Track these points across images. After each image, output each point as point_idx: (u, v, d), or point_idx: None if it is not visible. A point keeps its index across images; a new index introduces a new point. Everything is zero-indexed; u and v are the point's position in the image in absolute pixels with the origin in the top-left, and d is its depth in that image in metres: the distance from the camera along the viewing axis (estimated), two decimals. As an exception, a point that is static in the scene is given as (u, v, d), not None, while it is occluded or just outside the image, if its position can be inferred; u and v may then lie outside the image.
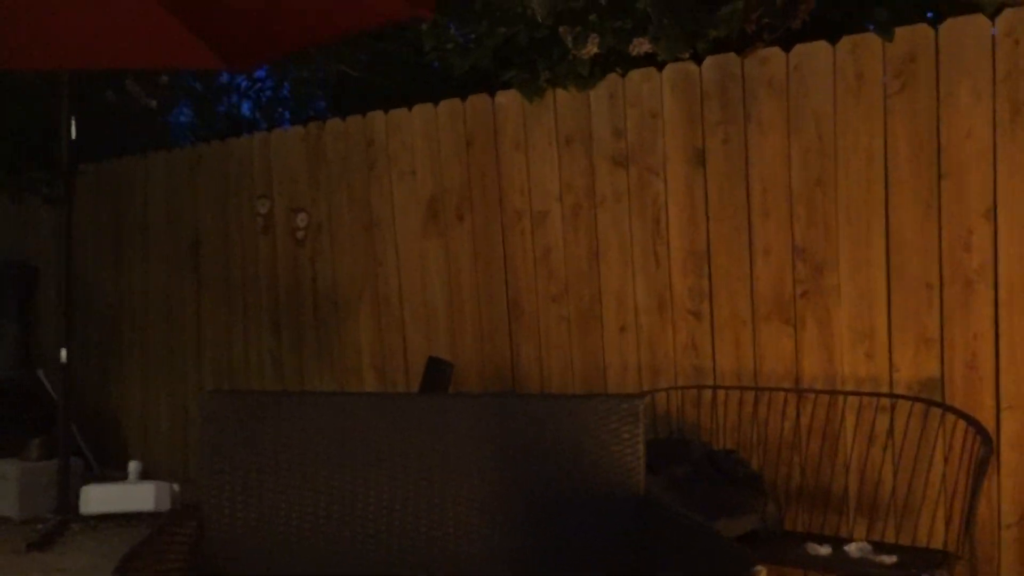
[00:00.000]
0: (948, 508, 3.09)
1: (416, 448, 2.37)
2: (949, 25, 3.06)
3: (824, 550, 2.86)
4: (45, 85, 5.27)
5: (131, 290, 5.96)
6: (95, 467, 5.72)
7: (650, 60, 3.71)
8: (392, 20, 4.01)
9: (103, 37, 4.10)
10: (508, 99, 4.12)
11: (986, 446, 2.83)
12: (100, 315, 6.07)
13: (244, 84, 5.99)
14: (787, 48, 3.40)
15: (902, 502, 3.22)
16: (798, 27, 3.26)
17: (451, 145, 4.34)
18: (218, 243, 5.46)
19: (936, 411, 3.13)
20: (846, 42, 3.26)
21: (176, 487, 5.01)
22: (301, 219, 5.00)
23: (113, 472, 5.54)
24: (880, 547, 2.90)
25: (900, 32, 3.14)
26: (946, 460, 3.13)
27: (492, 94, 4.19)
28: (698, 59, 3.60)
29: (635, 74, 3.75)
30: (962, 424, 3.03)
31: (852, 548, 2.86)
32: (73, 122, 4.77)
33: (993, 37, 2.98)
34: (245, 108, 6.13)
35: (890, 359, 3.27)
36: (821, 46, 3.32)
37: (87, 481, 5.04)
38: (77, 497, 4.82)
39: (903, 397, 3.19)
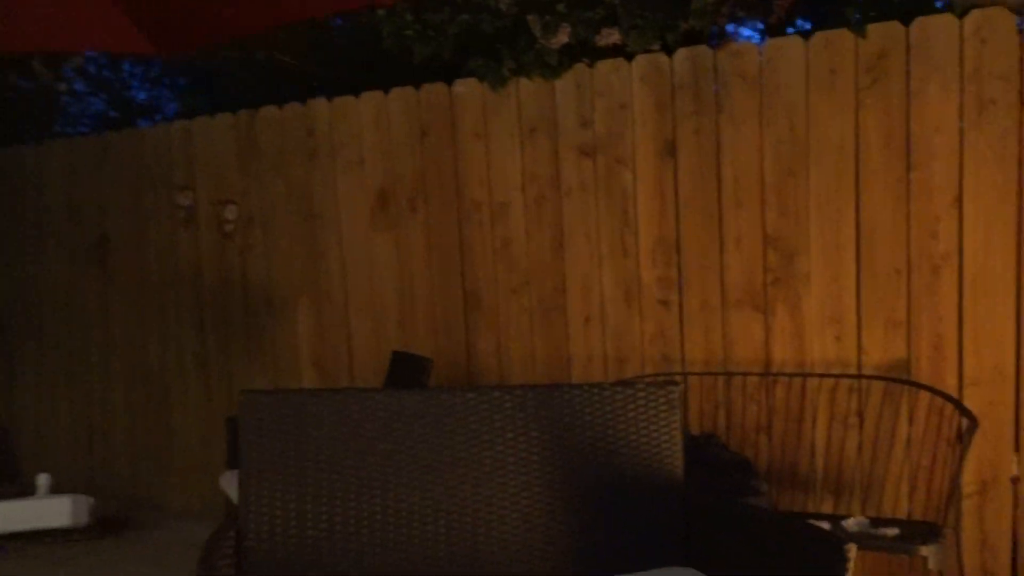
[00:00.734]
0: (928, 482, 3.26)
1: (461, 443, 2.29)
2: (920, 23, 3.23)
3: (826, 527, 2.95)
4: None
5: (25, 288, 5.49)
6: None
7: (617, 51, 3.72)
8: (348, 7, 3.85)
9: (20, 16, 3.74)
10: (467, 88, 4.05)
11: (971, 421, 3.00)
12: (-12, 316, 5.56)
13: (156, 70, 5.63)
14: (760, 42, 3.49)
15: (881, 479, 3.36)
16: (775, 22, 3.36)
17: (404, 135, 4.23)
18: (130, 237, 5.11)
19: (908, 391, 3.29)
20: (819, 38, 3.38)
21: (91, 500, 4.66)
22: (230, 211, 4.75)
23: (7, 488, 5.09)
24: (876, 522, 3.02)
25: (872, 29, 3.29)
26: (923, 437, 3.30)
27: (449, 84, 4.10)
28: (668, 50, 3.65)
29: (604, 64, 3.76)
30: (937, 402, 3.21)
31: (850, 523, 2.97)
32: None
33: (961, 36, 3.16)
34: (154, 94, 5.76)
35: (859, 342, 3.42)
36: (794, 41, 3.43)
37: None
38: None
39: (894, 380, 3.32)
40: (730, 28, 3.52)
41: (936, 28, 3.20)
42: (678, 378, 3.67)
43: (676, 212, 3.70)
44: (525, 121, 3.95)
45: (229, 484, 3.14)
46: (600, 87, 3.79)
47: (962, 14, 3.15)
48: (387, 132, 4.27)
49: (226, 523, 2.25)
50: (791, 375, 3.50)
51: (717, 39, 3.54)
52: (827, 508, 3.46)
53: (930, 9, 3.20)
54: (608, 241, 3.83)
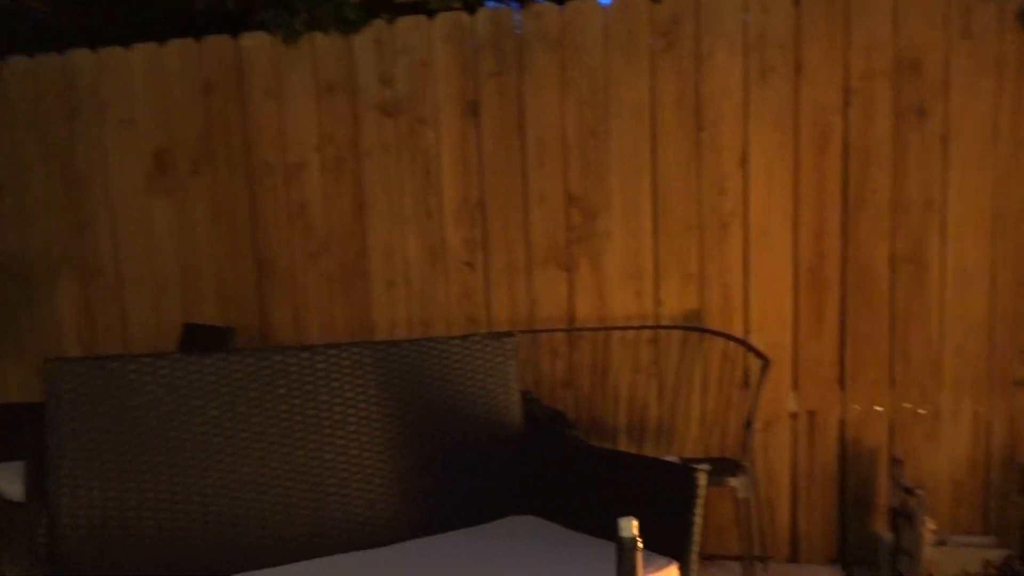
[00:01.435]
0: (724, 422, 3.49)
1: (297, 406, 2.15)
2: (708, -9, 3.41)
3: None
4: None
5: None
6: None
7: (418, 8, 3.64)
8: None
9: None
10: (257, 42, 3.80)
11: (764, 360, 3.24)
12: None
13: None
14: (561, 4, 3.54)
15: (683, 422, 3.55)
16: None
17: (184, 91, 3.90)
18: None
19: (703, 338, 3.50)
20: (617, 1, 3.48)
21: None
22: (-28, 176, 4.17)
23: None
24: (687, 461, 3.19)
25: (666, -5, 3.44)
26: (720, 381, 3.51)
27: (235, 37, 3.83)
28: (470, 9, 3.61)
29: (404, 21, 3.67)
30: (729, 349, 3.44)
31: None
32: None
33: (746, 5, 3.38)
34: None
35: (656, 295, 3.59)
36: (592, 4, 3.52)
37: None
38: None
39: (690, 328, 3.51)
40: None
41: (723, -4, 3.41)
42: (486, 339, 3.67)
43: (480, 172, 3.69)
44: (322, 78, 3.77)
45: (6, 479, 2.76)
46: (401, 45, 3.69)
47: (746, -17, 3.37)
48: (164, 88, 3.92)
49: (26, 511, 1.98)
50: (595, 329, 3.61)
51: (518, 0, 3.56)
52: (650, 450, 3.61)
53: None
54: (411, 202, 3.76)
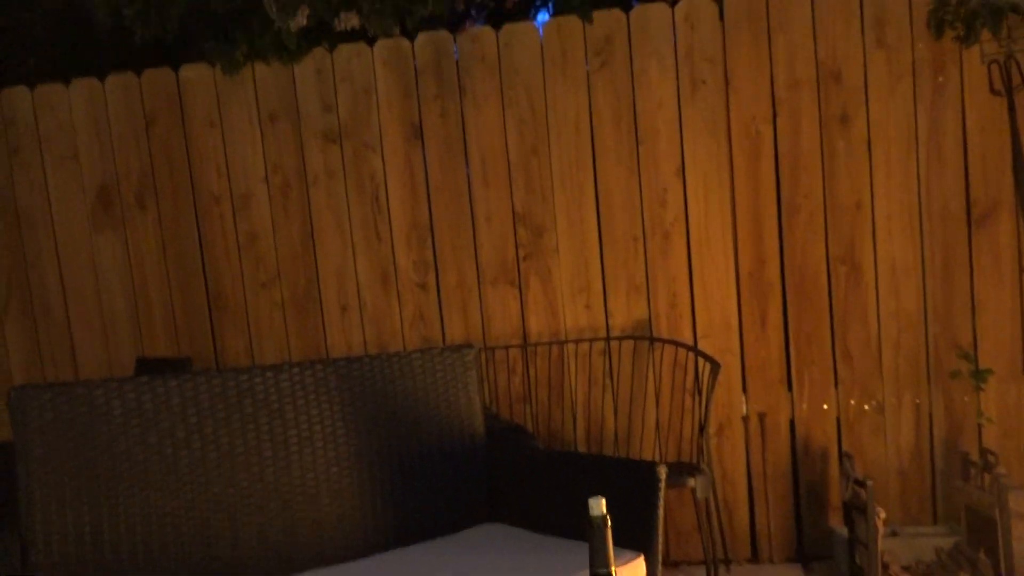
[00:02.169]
0: (679, 427, 3.58)
1: (264, 424, 2.18)
2: (638, 11, 3.54)
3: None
4: None
5: None
6: None
7: (357, 36, 3.71)
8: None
9: None
10: (196, 73, 3.83)
11: (714, 365, 3.34)
12: None
13: None
14: (497, 27, 3.64)
15: (639, 429, 3.63)
16: (510, 7, 3.52)
17: (126, 125, 3.90)
18: None
19: (653, 347, 3.60)
20: (552, 23, 3.59)
21: None
22: (-93, 220, 4.10)
23: None
24: (644, 464, 3.27)
25: (598, 15, 3.55)
26: (671, 387, 3.60)
27: (175, 69, 3.84)
28: (408, 35, 3.69)
29: (345, 49, 3.73)
30: (680, 355, 3.54)
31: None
32: None
33: (674, 22, 3.52)
34: None
35: (606, 307, 3.68)
36: (528, 26, 3.62)
37: None
38: None
39: (640, 338, 3.61)
40: (472, 12, 3.63)
41: (653, 14, 3.54)
42: (441, 358, 3.72)
43: (427, 195, 3.75)
44: (264, 108, 3.81)
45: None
46: (342, 72, 3.75)
47: (674, 2, 3.51)
48: (106, 123, 3.92)
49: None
50: (548, 344, 3.69)
51: (456, 24, 3.65)
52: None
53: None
54: (361, 228, 3.80)
